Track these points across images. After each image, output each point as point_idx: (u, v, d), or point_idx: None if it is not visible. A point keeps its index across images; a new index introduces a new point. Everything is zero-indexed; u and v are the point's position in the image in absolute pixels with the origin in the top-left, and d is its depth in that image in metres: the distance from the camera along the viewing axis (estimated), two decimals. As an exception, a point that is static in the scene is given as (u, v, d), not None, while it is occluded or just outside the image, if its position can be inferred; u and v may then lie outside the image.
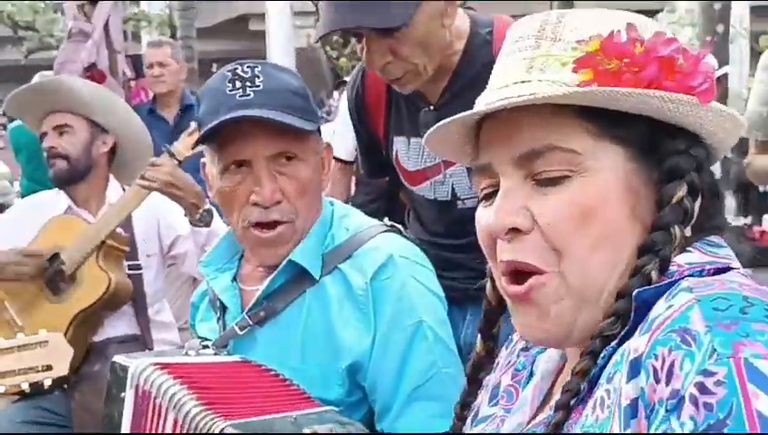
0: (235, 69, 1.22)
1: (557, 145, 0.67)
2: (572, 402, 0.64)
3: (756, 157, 2.39)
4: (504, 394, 0.81)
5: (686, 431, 0.52)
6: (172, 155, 2.00)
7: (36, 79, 4.14)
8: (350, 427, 1.07)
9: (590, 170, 0.66)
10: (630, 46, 0.66)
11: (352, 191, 2.98)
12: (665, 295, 0.61)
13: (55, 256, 2.08)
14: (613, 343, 0.64)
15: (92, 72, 3.65)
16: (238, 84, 1.20)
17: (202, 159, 1.35)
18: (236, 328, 1.24)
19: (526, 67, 0.69)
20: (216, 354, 1.23)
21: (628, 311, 0.63)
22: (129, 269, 2.18)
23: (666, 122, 0.68)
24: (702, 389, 0.52)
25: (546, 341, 0.71)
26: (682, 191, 0.66)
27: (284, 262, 1.24)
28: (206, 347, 1.24)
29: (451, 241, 1.64)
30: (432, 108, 1.59)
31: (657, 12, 16.16)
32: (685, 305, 0.57)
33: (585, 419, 0.63)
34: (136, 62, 3.96)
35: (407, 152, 1.68)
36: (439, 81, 1.57)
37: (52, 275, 2.08)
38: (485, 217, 0.71)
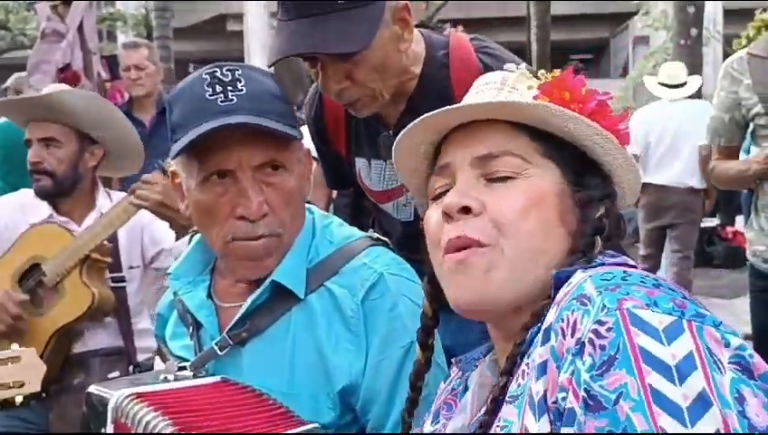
0: (214, 72, 1.13)
1: (512, 151, 0.84)
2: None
3: (719, 162, 2.44)
4: (444, 406, 0.93)
5: (586, 367, 0.65)
6: (165, 172, 1.86)
7: (11, 80, 4.05)
8: None
9: (532, 177, 0.83)
10: (579, 85, 0.87)
11: (334, 193, 2.96)
12: (564, 284, 0.76)
13: (35, 267, 2.01)
14: (535, 328, 0.76)
15: (66, 74, 3.60)
16: (219, 88, 1.11)
17: (172, 169, 1.24)
18: (216, 348, 1.16)
19: (495, 95, 0.88)
20: (194, 377, 1.15)
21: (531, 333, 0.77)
22: (113, 282, 2.10)
23: (589, 162, 0.87)
24: (597, 334, 0.66)
25: (475, 303, 0.82)
26: (600, 211, 0.84)
27: (268, 282, 1.16)
28: (183, 368, 1.16)
29: (416, 256, 1.63)
30: (391, 132, 1.55)
31: (632, 14, 16.35)
32: (580, 281, 0.73)
33: (510, 389, 0.76)
34: (111, 63, 3.90)
35: (368, 173, 1.65)
36: (398, 105, 1.52)
37: (32, 287, 2.01)
38: (436, 211, 0.86)
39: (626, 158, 0.87)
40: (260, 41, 14.91)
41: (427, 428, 0.92)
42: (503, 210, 0.81)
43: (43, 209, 2.12)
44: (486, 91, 0.89)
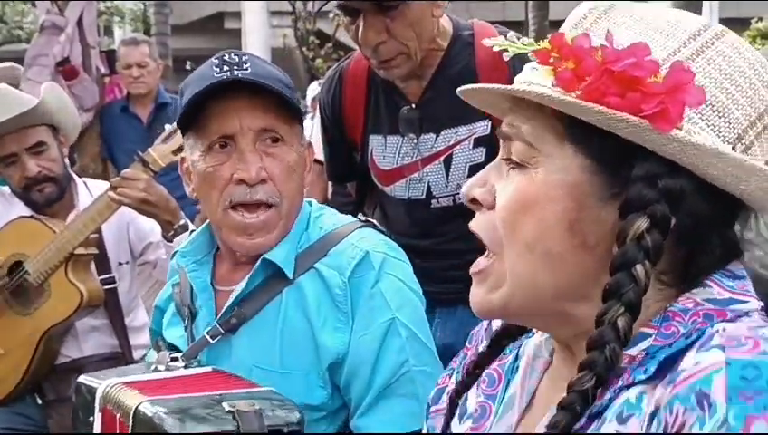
0: (222, 56, 1.20)
1: (524, 137, 0.65)
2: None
3: None
4: (486, 378, 0.78)
5: None
6: (146, 165, 1.85)
7: None
8: (280, 405, 1.03)
9: (540, 168, 0.65)
10: (587, 51, 0.62)
11: (329, 194, 2.97)
12: (696, 345, 0.59)
13: (17, 265, 1.96)
14: (619, 385, 0.62)
15: (65, 68, 3.58)
16: (225, 68, 1.17)
17: (180, 155, 1.28)
18: (208, 337, 1.19)
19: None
20: (186, 367, 1.17)
21: (605, 363, 0.61)
22: (104, 284, 2.06)
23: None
24: None
25: (488, 313, 0.72)
26: (642, 225, 0.60)
27: (259, 261, 1.19)
28: (175, 359, 1.19)
29: (419, 242, 1.65)
30: (413, 106, 1.62)
31: (629, 21, 16.39)
32: (713, 367, 0.56)
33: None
34: (110, 57, 3.89)
35: (383, 151, 1.69)
36: (421, 79, 1.61)
37: (17, 285, 1.97)
38: None
39: (680, 142, 0.59)
40: (258, 39, 14.88)
41: (472, 395, 0.79)
42: (501, 210, 0.66)
43: (22, 208, 2.06)
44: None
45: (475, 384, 0.79)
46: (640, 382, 0.61)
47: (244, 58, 1.19)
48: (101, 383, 1.11)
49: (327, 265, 1.19)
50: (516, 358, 0.77)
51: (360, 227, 1.25)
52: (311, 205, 1.30)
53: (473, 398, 0.78)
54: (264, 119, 1.17)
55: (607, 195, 0.63)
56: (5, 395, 2.00)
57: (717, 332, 0.60)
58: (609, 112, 0.60)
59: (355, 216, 1.84)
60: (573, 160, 0.64)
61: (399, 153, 1.67)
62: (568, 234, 0.64)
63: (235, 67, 1.17)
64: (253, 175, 1.15)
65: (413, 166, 1.66)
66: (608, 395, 0.62)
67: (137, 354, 2.17)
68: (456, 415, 0.79)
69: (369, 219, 1.31)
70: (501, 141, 0.69)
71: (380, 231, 1.29)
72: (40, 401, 2.08)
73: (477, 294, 0.69)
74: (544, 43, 0.64)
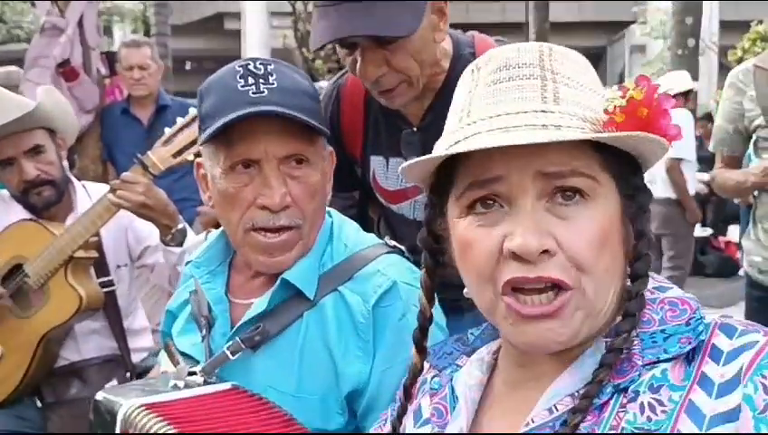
0: (247, 65, 1.16)
1: (581, 171, 0.73)
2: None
3: (720, 171, 2.47)
4: (435, 412, 0.86)
5: None
6: (146, 168, 1.84)
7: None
8: None
9: (599, 198, 0.74)
10: (653, 95, 0.74)
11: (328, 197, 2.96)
12: (716, 331, 0.74)
13: (17, 267, 1.97)
14: (640, 363, 0.74)
15: (65, 69, 3.58)
16: (251, 80, 1.13)
17: (197, 160, 1.26)
18: (228, 353, 1.15)
19: (540, 97, 0.74)
20: (205, 383, 1.13)
21: (632, 329, 0.74)
22: (102, 287, 2.06)
23: (632, 159, 0.77)
24: None
25: (558, 346, 0.75)
26: (648, 223, 0.77)
27: (279, 281, 1.17)
28: (193, 373, 1.15)
29: None
30: (415, 129, 1.57)
31: (630, 23, 16.42)
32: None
33: (632, 418, 0.70)
34: (110, 59, 3.88)
35: (385, 172, 1.66)
36: (423, 102, 1.55)
37: (17, 288, 1.97)
38: (490, 238, 0.74)
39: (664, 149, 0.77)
40: (257, 40, 14.89)
41: (410, 429, 0.87)
42: (582, 248, 0.72)
43: (21, 212, 2.05)
44: (523, 81, 0.75)
45: (423, 420, 0.86)
46: (662, 361, 0.73)
47: (269, 69, 1.15)
48: (123, 404, 1.07)
49: (351, 290, 1.17)
50: (453, 390, 0.86)
51: (387, 253, 1.22)
52: (331, 215, 1.27)
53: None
54: (290, 145, 1.15)
55: (629, 207, 0.76)
56: (5, 397, 2.00)
57: (727, 317, 0.75)
58: (665, 144, 0.74)
59: (359, 219, 1.85)
60: (612, 187, 0.75)
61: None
62: (623, 250, 0.76)
63: (261, 80, 1.13)
64: (277, 201, 1.14)
65: (416, 188, 1.64)
66: (636, 372, 0.73)
67: (135, 357, 2.17)
68: None
69: (397, 245, 1.27)
70: (537, 179, 0.73)
71: (407, 258, 1.25)
72: (39, 404, 2.08)
73: (555, 330, 0.73)
74: (637, 93, 0.74)
